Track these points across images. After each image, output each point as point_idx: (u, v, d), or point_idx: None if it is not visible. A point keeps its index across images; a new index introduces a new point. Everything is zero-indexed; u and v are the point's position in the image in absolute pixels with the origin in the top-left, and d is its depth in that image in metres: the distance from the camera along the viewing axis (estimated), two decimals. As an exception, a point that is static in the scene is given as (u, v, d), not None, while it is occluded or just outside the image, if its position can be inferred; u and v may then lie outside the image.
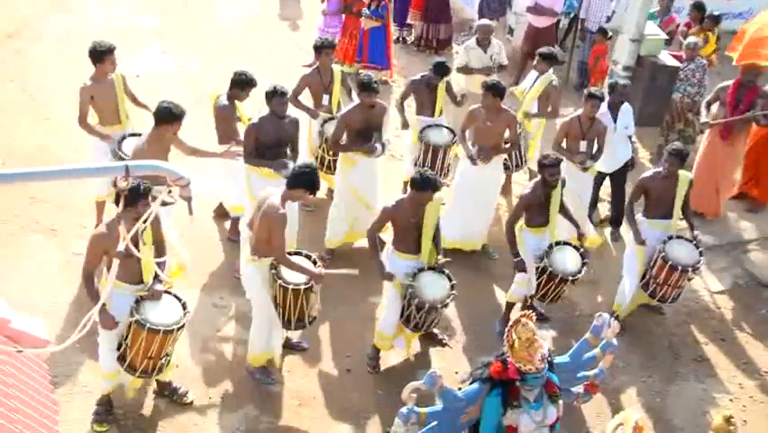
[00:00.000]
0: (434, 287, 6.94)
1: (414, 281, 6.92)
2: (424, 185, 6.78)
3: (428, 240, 7.08)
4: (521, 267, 7.52)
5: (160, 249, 6.36)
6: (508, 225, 7.61)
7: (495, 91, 8.17)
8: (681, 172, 7.78)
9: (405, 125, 9.22)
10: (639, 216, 7.98)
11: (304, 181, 6.47)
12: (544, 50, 9.45)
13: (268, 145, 7.67)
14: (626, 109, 8.94)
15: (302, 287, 6.51)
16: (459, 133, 8.61)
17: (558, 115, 9.34)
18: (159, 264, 6.22)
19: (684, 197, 7.81)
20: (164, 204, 5.52)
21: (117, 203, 5.96)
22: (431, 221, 7.03)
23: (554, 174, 7.39)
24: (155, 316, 6.08)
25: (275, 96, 7.63)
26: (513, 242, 7.54)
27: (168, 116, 7.08)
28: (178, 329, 6.14)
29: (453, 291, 6.94)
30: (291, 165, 7.55)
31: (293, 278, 6.56)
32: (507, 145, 8.56)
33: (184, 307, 6.25)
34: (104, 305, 5.86)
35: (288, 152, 7.86)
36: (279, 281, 6.51)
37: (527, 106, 9.31)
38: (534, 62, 9.49)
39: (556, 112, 9.35)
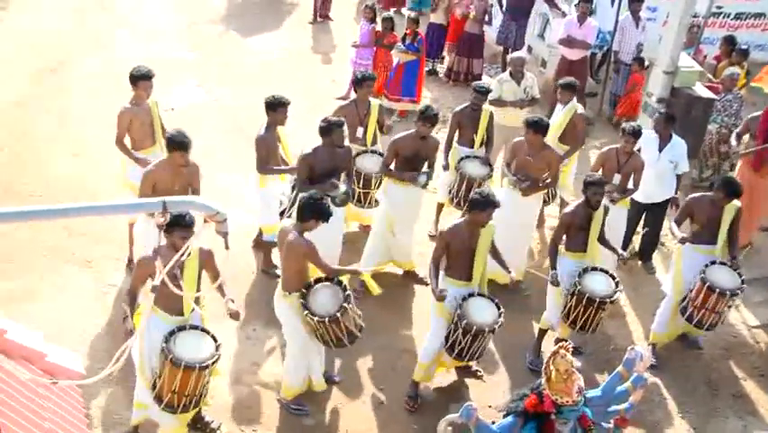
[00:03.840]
0: (482, 311, 6.92)
1: (463, 304, 6.91)
2: (485, 204, 6.85)
3: (480, 266, 7.10)
4: (555, 281, 7.50)
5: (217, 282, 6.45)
6: (552, 242, 7.68)
7: (536, 128, 8.15)
8: None
9: (461, 159, 9.02)
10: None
11: (313, 211, 6.56)
12: (562, 80, 9.47)
13: (323, 174, 7.76)
14: (677, 142, 8.76)
15: (337, 314, 6.53)
16: (503, 164, 8.62)
17: (583, 143, 9.22)
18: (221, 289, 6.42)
19: (730, 224, 7.72)
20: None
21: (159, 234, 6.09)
22: (484, 246, 7.06)
23: (597, 193, 7.42)
24: (184, 351, 6.08)
25: (337, 127, 7.72)
26: (553, 257, 7.57)
27: (173, 143, 7.21)
28: (201, 368, 6.07)
29: (501, 319, 6.90)
30: (343, 187, 7.76)
31: (324, 309, 6.57)
32: (547, 181, 8.49)
33: (217, 348, 6.23)
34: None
35: (343, 177, 7.98)
36: (316, 318, 6.52)
37: (552, 135, 9.25)
38: (558, 93, 9.48)
39: (582, 141, 9.27)
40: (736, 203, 7.74)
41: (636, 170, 8.40)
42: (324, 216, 6.63)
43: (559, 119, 9.32)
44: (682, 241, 7.69)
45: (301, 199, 6.70)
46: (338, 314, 6.52)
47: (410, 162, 8.27)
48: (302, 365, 6.99)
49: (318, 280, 6.76)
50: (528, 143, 8.28)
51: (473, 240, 7.02)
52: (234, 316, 6.41)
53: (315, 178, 7.73)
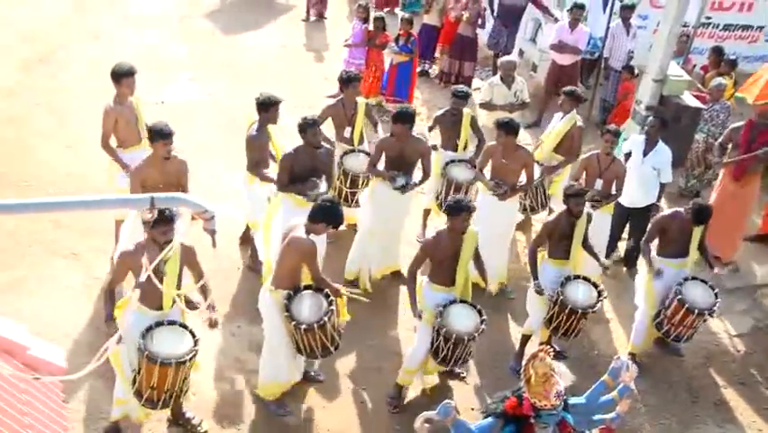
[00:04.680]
0: (463, 319, 6.93)
1: (444, 312, 6.92)
2: (458, 209, 6.84)
3: (464, 272, 7.11)
4: (539, 290, 7.52)
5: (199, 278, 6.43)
6: (531, 249, 7.69)
7: (507, 129, 8.16)
8: None
9: (447, 164, 8.99)
10: (653, 255, 7.98)
11: (325, 215, 6.57)
12: (568, 88, 9.46)
13: (303, 176, 7.76)
14: (661, 149, 8.83)
15: (314, 325, 6.51)
16: (476, 170, 8.62)
17: (578, 156, 9.29)
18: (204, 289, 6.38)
19: (700, 237, 7.80)
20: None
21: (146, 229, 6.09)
22: (468, 252, 7.06)
23: (579, 204, 7.44)
24: (161, 347, 6.07)
25: (309, 126, 7.72)
26: (534, 265, 7.58)
27: (155, 133, 7.21)
28: (178, 364, 6.05)
29: (483, 325, 6.92)
30: (323, 186, 7.74)
31: (304, 317, 6.56)
32: (523, 183, 8.52)
33: (195, 343, 6.22)
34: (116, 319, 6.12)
35: (324, 180, 7.95)
36: (293, 323, 6.52)
37: (550, 146, 9.30)
38: (560, 102, 9.50)
39: (577, 154, 9.28)
40: None
41: (618, 176, 8.47)
42: (335, 222, 6.66)
43: (557, 129, 9.32)
44: (657, 273, 7.72)
45: (317, 201, 6.73)
46: (315, 325, 6.50)
47: (395, 163, 8.23)
48: (282, 364, 6.97)
49: (308, 288, 6.74)
50: (502, 146, 8.29)
51: (456, 247, 7.01)
52: (212, 325, 6.39)
53: (295, 178, 7.74)
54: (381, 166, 8.35)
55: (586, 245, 7.75)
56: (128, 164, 7.91)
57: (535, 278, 7.54)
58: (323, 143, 8.04)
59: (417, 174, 8.54)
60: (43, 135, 10.64)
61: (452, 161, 8.90)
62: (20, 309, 7.64)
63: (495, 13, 13.37)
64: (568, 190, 7.49)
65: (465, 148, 9.18)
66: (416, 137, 8.37)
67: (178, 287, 6.32)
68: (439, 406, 5.37)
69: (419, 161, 8.36)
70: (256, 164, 8.10)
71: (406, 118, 8.06)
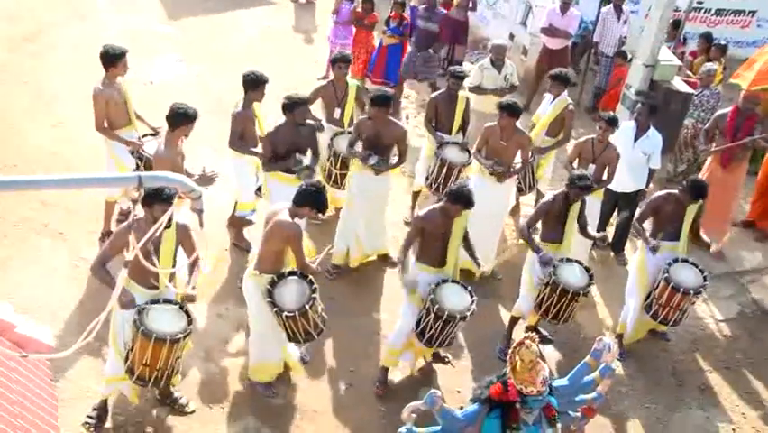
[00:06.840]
0: (455, 298, 6.92)
1: (436, 289, 6.91)
2: (459, 199, 6.82)
3: (454, 253, 7.10)
4: (546, 260, 7.47)
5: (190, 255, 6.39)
6: (523, 228, 7.65)
7: (511, 112, 8.16)
8: None
9: (440, 144, 8.90)
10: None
11: (310, 200, 6.53)
12: (555, 71, 9.41)
13: (286, 152, 7.76)
14: (653, 135, 8.84)
15: (296, 313, 6.48)
16: (474, 151, 8.59)
17: (569, 140, 9.30)
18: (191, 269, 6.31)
19: (693, 220, 7.83)
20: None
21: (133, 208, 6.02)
22: (458, 233, 7.07)
23: (581, 196, 7.52)
24: (156, 324, 6.06)
25: (298, 105, 7.74)
26: (531, 240, 7.58)
27: (182, 119, 7.27)
28: (172, 342, 6.04)
29: (474, 306, 6.92)
30: (306, 161, 7.76)
31: (285, 303, 6.52)
32: (518, 166, 8.53)
33: (190, 322, 6.22)
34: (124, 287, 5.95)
35: (310, 156, 7.97)
36: (275, 309, 6.50)
37: (542, 128, 9.28)
38: (549, 86, 9.49)
39: (568, 137, 9.31)
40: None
41: (611, 161, 8.46)
42: (319, 206, 6.61)
43: (549, 111, 9.30)
44: (653, 249, 7.73)
45: (302, 185, 6.68)
46: (296, 312, 6.47)
47: (373, 144, 8.18)
48: (270, 347, 6.96)
49: (292, 274, 6.69)
50: (501, 128, 8.28)
51: (447, 226, 7.02)
52: (188, 299, 6.31)
53: (279, 155, 7.76)
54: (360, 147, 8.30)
55: (583, 229, 7.78)
56: (131, 139, 7.95)
57: (538, 251, 7.51)
58: (308, 121, 8.03)
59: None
60: (29, 115, 10.54)
61: (447, 143, 8.87)
62: (6, 289, 7.62)
63: (413, 39, 12.50)
64: (579, 182, 7.42)
65: (459, 131, 9.16)
66: (393, 121, 8.32)
67: (173, 266, 6.29)
68: (425, 395, 5.39)
69: (395, 144, 8.30)
70: (240, 138, 8.09)
71: (382, 102, 8.00)
